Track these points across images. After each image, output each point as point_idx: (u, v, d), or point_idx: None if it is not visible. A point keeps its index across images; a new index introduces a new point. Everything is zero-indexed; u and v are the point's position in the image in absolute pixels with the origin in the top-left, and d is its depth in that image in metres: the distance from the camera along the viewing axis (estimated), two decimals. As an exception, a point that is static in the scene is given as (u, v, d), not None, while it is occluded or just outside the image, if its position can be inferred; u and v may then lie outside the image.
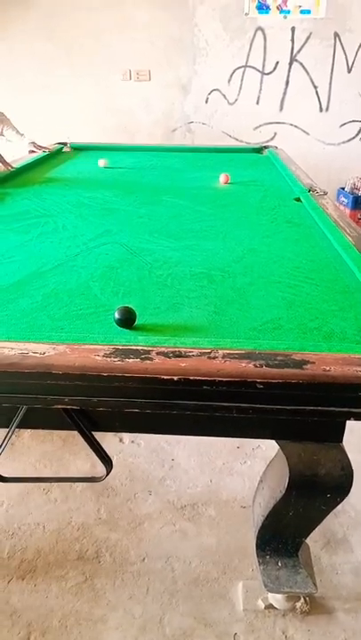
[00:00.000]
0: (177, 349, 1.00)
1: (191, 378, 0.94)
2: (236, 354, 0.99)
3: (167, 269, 1.52)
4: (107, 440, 2.20)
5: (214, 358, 0.97)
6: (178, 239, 1.79)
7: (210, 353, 0.99)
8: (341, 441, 1.18)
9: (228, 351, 1.00)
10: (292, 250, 1.70)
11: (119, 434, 2.23)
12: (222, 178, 2.64)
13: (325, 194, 2.29)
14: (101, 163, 3.04)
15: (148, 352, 0.99)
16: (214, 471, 2.07)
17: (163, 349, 1.00)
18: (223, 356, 0.98)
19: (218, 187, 2.59)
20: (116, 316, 1.14)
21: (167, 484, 2.00)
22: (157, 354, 0.98)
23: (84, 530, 1.79)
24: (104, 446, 2.09)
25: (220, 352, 0.99)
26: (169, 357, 0.97)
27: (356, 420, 1.01)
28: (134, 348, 1.01)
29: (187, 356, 0.98)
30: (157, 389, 0.96)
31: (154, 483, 2.00)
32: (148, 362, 0.96)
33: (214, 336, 1.13)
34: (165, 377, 0.94)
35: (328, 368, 0.95)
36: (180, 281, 1.44)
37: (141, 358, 0.97)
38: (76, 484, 1.97)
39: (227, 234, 1.85)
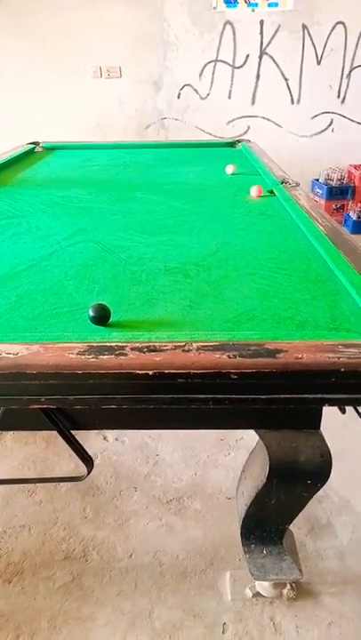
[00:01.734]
0: (151, 344, 1.00)
1: (166, 371, 0.94)
2: (210, 346, 1.00)
3: (142, 265, 1.52)
4: (91, 439, 2.20)
5: (188, 351, 0.98)
6: (152, 235, 1.79)
7: (184, 346, 0.99)
8: (319, 427, 1.20)
9: (202, 343, 1.01)
10: (265, 242, 1.71)
11: (103, 432, 2.23)
12: (254, 191, 2.24)
13: (298, 185, 2.31)
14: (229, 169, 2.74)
15: (123, 348, 0.99)
16: (199, 464, 2.08)
17: (137, 345, 1.00)
18: (197, 349, 0.98)
19: (191, 182, 2.59)
20: (91, 313, 1.14)
21: (152, 480, 2.01)
22: (132, 349, 0.98)
23: (71, 529, 1.79)
24: (88, 445, 2.08)
25: (195, 345, 1.00)
26: (143, 352, 0.98)
27: (330, 405, 1.03)
28: (108, 344, 1.01)
29: (161, 350, 0.98)
30: (133, 384, 0.97)
31: (139, 479, 2.01)
32: (123, 357, 0.96)
33: (189, 329, 1.14)
34: (140, 372, 0.94)
35: (301, 356, 0.96)
36: (154, 276, 1.44)
37: (116, 354, 0.97)
38: (61, 484, 1.96)
39: (201, 228, 1.86)
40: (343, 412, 1.20)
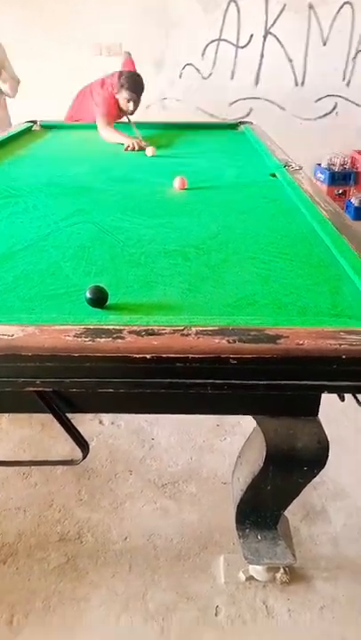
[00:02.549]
0: (149, 327, 0.98)
1: (164, 355, 0.93)
2: (210, 330, 0.98)
3: (140, 247, 1.49)
4: (86, 422, 2.19)
5: (187, 335, 0.96)
6: (151, 217, 1.76)
7: (183, 330, 0.98)
8: (317, 414, 1.19)
9: (201, 328, 0.99)
10: (267, 225, 1.68)
11: (99, 416, 2.23)
12: (177, 182, 2.09)
13: (301, 169, 2.27)
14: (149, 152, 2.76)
15: (120, 331, 0.97)
16: (195, 449, 2.08)
17: (135, 328, 0.98)
18: (196, 333, 0.97)
19: (193, 163, 2.55)
20: (88, 295, 1.12)
21: (148, 464, 2.01)
22: (129, 332, 0.97)
23: (66, 512, 1.79)
24: (84, 428, 2.07)
25: (193, 329, 0.98)
26: (141, 336, 0.96)
27: (330, 393, 1.02)
28: (106, 327, 0.99)
29: (159, 334, 0.96)
30: (130, 368, 0.95)
31: (135, 463, 2.01)
32: (120, 341, 0.94)
33: (188, 313, 1.12)
34: (137, 355, 0.93)
35: (302, 342, 0.94)
36: (153, 259, 1.42)
37: (113, 337, 0.95)
38: (57, 467, 1.96)
39: (201, 211, 1.83)
40: (342, 399, 1.19)
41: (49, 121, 3.59)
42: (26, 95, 4.44)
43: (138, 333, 0.96)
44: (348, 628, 1.45)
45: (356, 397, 1.19)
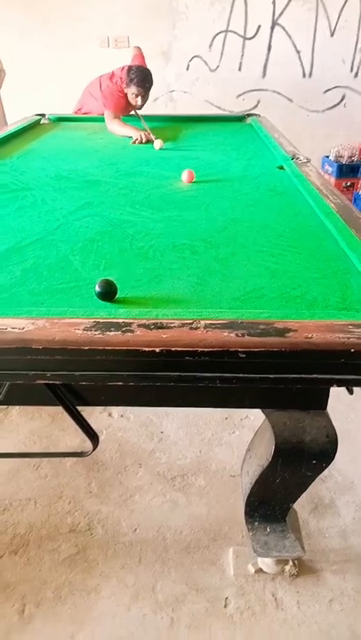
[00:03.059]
0: (158, 321, 0.99)
1: (173, 349, 0.93)
2: (219, 324, 0.98)
3: (149, 241, 1.49)
4: (95, 415, 2.21)
5: (196, 329, 0.97)
6: (159, 210, 1.76)
7: (192, 324, 0.98)
8: (326, 408, 1.19)
9: (210, 321, 0.99)
10: (275, 218, 1.68)
11: (108, 408, 2.24)
12: (185, 175, 2.08)
13: (309, 161, 2.26)
14: (157, 145, 2.73)
15: (130, 324, 0.98)
16: (203, 442, 2.09)
17: (144, 321, 0.99)
18: (205, 327, 0.97)
19: (201, 156, 2.54)
20: (97, 289, 1.12)
21: (157, 457, 2.02)
22: (139, 326, 0.97)
23: (76, 503, 1.81)
24: (93, 421, 2.09)
25: (202, 322, 0.98)
26: (150, 329, 0.96)
27: (339, 386, 1.02)
28: (115, 320, 0.99)
29: (168, 328, 0.97)
30: (139, 362, 0.96)
31: (144, 455, 2.02)
32: (130, 334, 0.95)
33: (197, 307, 1.12)
34: (147, 349, 0.93)
35: (310, 335, 0.94)
36: (162, 252, 1.42)
37: (122, 331, 0.96)
38: (66, 459, 1.97)
39: (209, 204, 1.82)
40: (351, 392, 1.19)
41: (57, 114, 3.58)
42: (33, 88, 4.47)
43: (147, 327, 0.97)
44: (356, 620, 1.46)
45: (365, 390, 1.19)
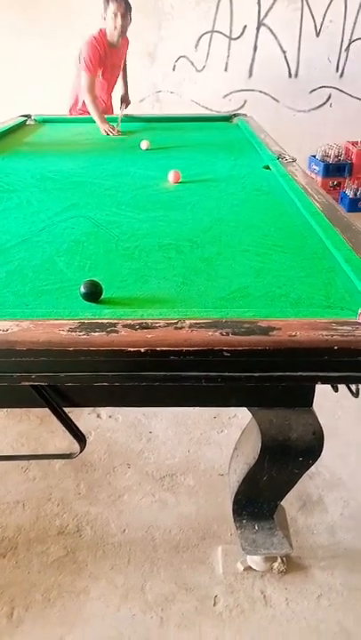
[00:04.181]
0: (143, 321, 0.99)
1: (158, 349, 0.94)
2: (203, 323, 0.99)
3: (134, 242, 1.49)
4: (84, 416, 2.20)
5: (181, 328, 0.97)
6: (145, 211, 1.76)
7: (177, 323, 0.98)
8: (312, 405, 1.20)
9: (194, 321, 1.00)
10: (260, 218, 1.69)
11: (97, 409, 2.23)
12: (171, 176, 2.08)
13: (294, 160, 2.27)
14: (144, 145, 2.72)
15: (115, 325, 0.98)
16: (192, 441, 2.09)
17: (129, 322, 0.99)
18: (190, 326, 0.97)
19: (187, 157, 2.55)
20: (82, 289, 1.12)
21: (146, 457, 2.02)
22: (124, 326, 0.97)
23: (64, 505, 1.80)
24: (82, 422, 2.09)
25: (187, 322, 0.99)
26: (135, 329, 0.96)
27: (323, 383, 1.03)
28: (100, 321, 0.99)
29: (153, 328, 0.97)
30: (125, 362, 0.96)
31: (132, 456, 2.02)
32: (114, 335, 0.95)
33: (182, 307, 1.12)
34: (132, 349, 0.93)
35: (294, 333, 0.95)
36: (147, 253, 1.42)
37: (107, 331, 0.96)
38: (55, 461, 1.97)
39: (195, 204, 1.83)
40: (336, 389, 1.20)
41: (43, 115, 3.57)
42: (18, 89, 4.44)
43: (132, 327, 0.97)
44: (345, 615, 1.47)
45: (349, 388, 1.20)
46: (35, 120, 3.51)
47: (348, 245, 1.35)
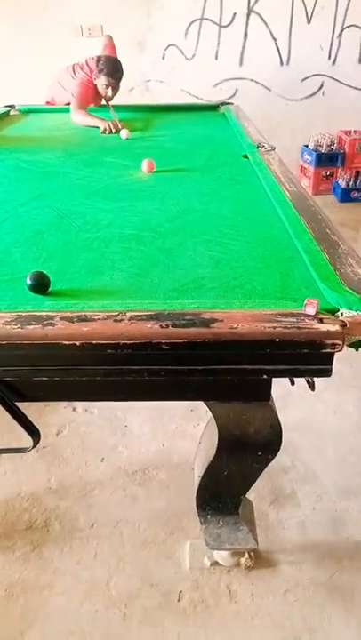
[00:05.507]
0: (83, 314, 0.96)
1: (94, 342, 0.91)
2: (144, 315, 0.96)
3: (95, 232, 1.46)
4: (60, 410, 2.18)
5: (120, 321, 0.94)
6: (114, 200, 1.73)
7: (117, 316, 0.95)
8: (269, 399, 1.17)
9: (136, 313, 0.97)
10: (230, 208, 1.65)
11: (73, 403, 2.21)
12: (145, 165, 2.05)
13: (273, 149, 2.22)
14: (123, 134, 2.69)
15: (52, 318, 0.95)
16: (167, 435, 2.07)
17: (68, 314, 0.96)
18: (130, 319, 0.94)
19: (166, 145, 2.50)
20: (28, 281, 1.09)
21: (119, 451, 2.00)
22: (61, 319, 0.94)
23: (34, 500, 1.79)
24: (57, 416, 2.07)
25: (128, 314, 0.96)
26: (73, 322, 0.94)
27: (269, 377, 1.00)
28: (38, 314, 0.96)
29: (92, 320, 0.94)
30: (62, 355, 0.93)
31: (106, 450, 2.00)
32: (50, 328, 0.92)
33: (132, 298, 1.09)
34: (67, 342, 0.91)
35: (235, 326, 0.92)
36: (106, 243, 1.39)
37: (43, 324, 0.93)
38: (27, 455, 1.94)
39: (165, 194, 1.79)
40: (292, 383, 1.17)
41: (27, 105, 3.52)
42: (2, 78, 4.38)
43: (70, 320, 0.94)
44: (310, 610, 1.45)
45: (307, 380, 1.17)
46: (19, 110, 3.46)
47: (310, 235, 1.31)
